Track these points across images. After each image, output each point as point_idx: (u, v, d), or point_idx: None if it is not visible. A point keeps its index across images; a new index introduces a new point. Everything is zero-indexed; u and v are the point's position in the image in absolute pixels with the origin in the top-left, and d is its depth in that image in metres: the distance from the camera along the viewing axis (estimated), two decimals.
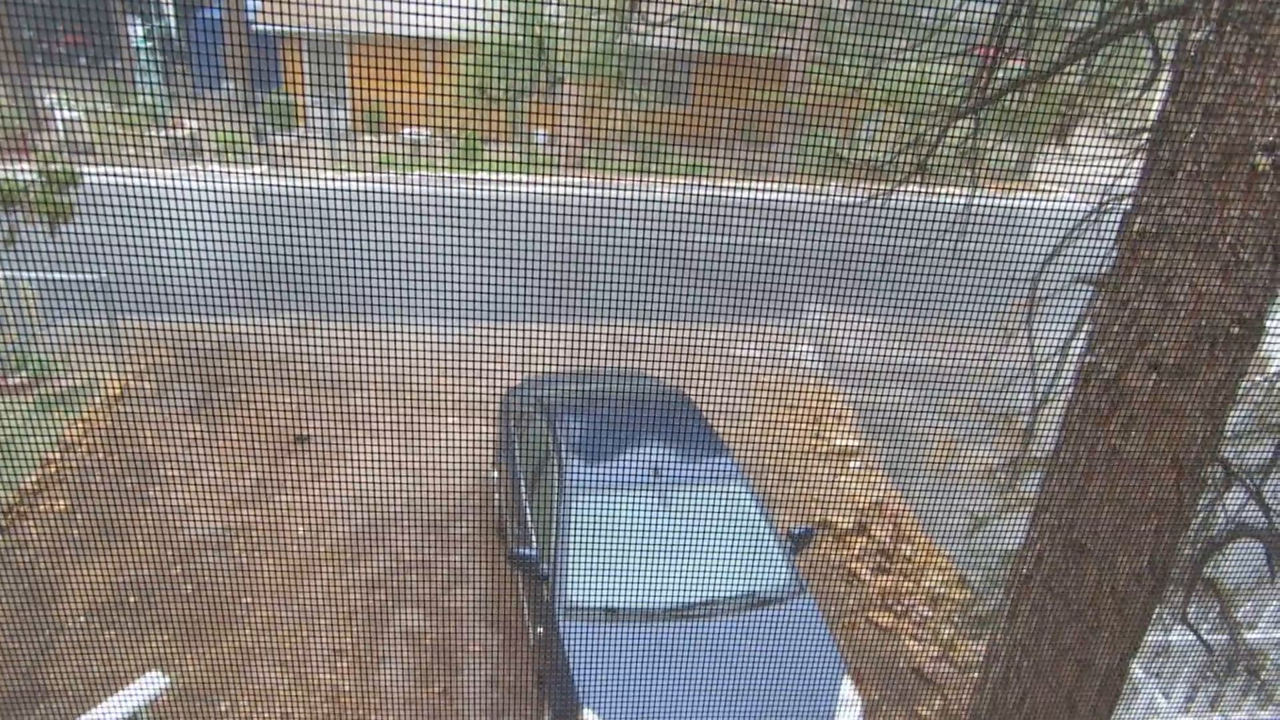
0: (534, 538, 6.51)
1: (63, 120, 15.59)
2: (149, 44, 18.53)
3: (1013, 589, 3.86)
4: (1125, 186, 3.78)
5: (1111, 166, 4.14)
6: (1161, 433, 3.15)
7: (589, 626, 5.72)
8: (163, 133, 16.18)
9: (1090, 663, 3.65)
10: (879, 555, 8.24)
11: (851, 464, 9.70)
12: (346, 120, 18.22)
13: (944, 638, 7.37)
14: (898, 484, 9.38)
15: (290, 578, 7.34)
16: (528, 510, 6.84)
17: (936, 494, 8.49)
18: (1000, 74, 4.20)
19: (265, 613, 6.93)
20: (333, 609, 7.06)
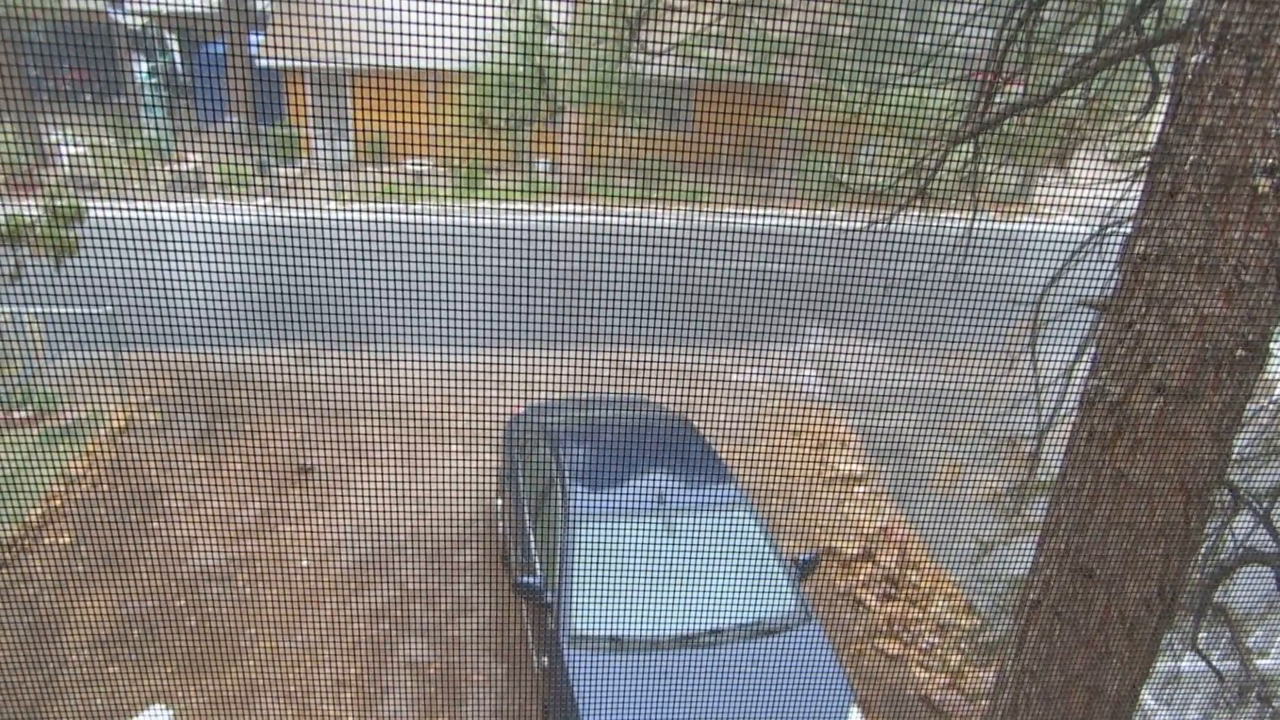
0: (538, 566, 6.48)
1: (68, 156, 15.70)
2: (153, 80, 18.69)
3: (1021, 615, 3.83)
4: (1126, 210, 3.78)
5: (1112, 190, 4.15)
6: (1168, 456, 3.13)
7: (594, 656, 5.68)
8: (167, 167, 16.29)
9: (1100, 690, 3.61)
10: (885, 582, 8.19)
11: (857, 490, 9.66)
12: (349, 152, 18.33)
13: (952, 665, 7.31)
14: (903, 510, 9.34)
15: (294, 609, 7.31)
16: (532, 538, 6.81)
17: (943, 520, 8.45)
18: (999, 99, 4.22)
19: (269, 645, 6.89)
20: (337, 640, 7.02)
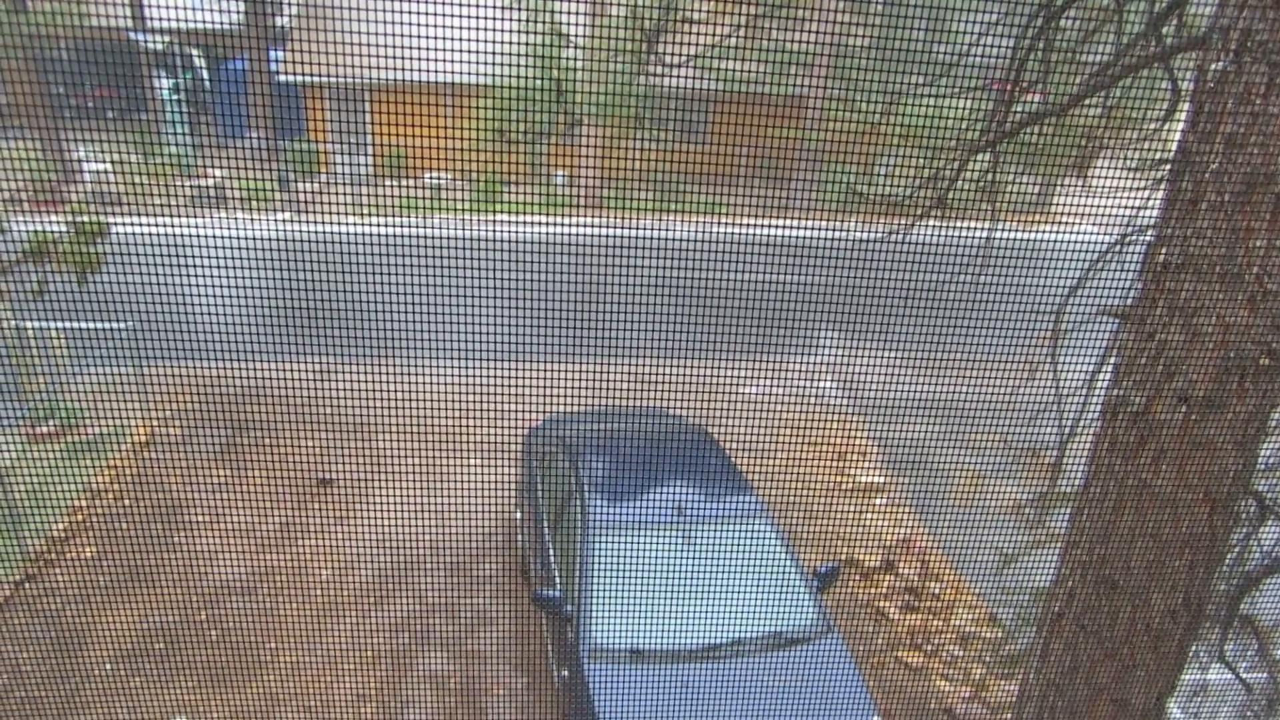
0: (558, 578, 6.48)
1: (91, 173, 15.90)
2: (176, 96, 18.90)
3: (1044, 627, 3.80)
4: (1148, 218, 3.76)
5: (1133, 198, 4.13)
6: (1192, 466, 3.10)
7: (614, 668, 5.67)
8: (189, 182, 16.46)
9: (1126, 702, 3.58)
10: (907, 593, 8.14)
11: (877, 500, 9.61)
12: (369, 166, 18.47)
13: (975, 677, 7.25)
14: (924, 520, 9.29)
15: (315, 622, 7.33)
16: (551, 551, 6.81)
17: (964, 530, 8.39)
18: (1018, 108, 4.21)
19: (290, 657, 6.91)
20: (357, 653, 7.03)
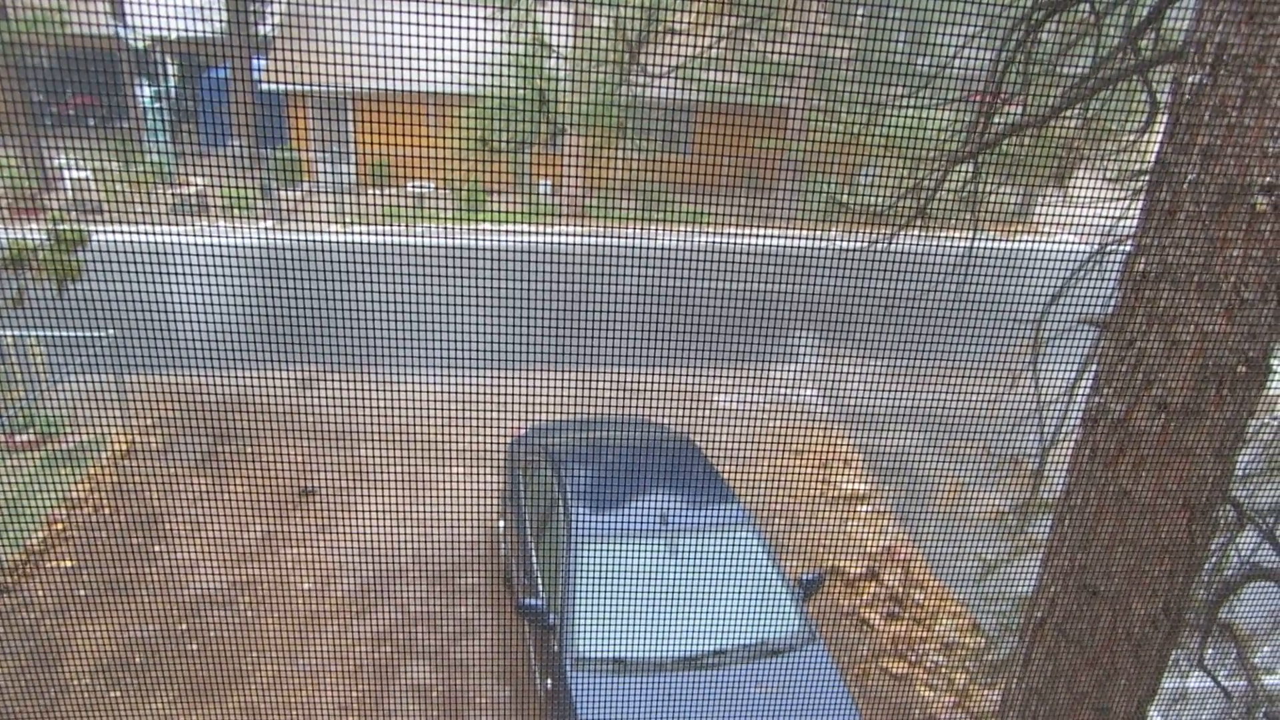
0: (541, 588, 6.46)
1: (71, 180, 15.79)
2: (157, 104, 18.80)
3: (1026, 634, 3.82)
4: (1126, 228, 3.80)
5: (1112, 209, 4.17)
6: (1171, 474, 3.13)
7: (597, 678, 5.66)
8: (170, 191, 16.36)
9: (1107, 709, 3.59)
10: (890, 602, 8.15)
11: (860, 509, 9.64)
12: (352, 175, 18.42)
13: (958, 685, 7.27)
14: (907, 529, 9.32)
15: (296, 633, 7.28)
16: (535, 560, 6.79)
17: (947, 539, 8.42)
18: (998, 119, 4.25)
19: (271, 669, 6.86)
20: (339, 664, 6.99)
